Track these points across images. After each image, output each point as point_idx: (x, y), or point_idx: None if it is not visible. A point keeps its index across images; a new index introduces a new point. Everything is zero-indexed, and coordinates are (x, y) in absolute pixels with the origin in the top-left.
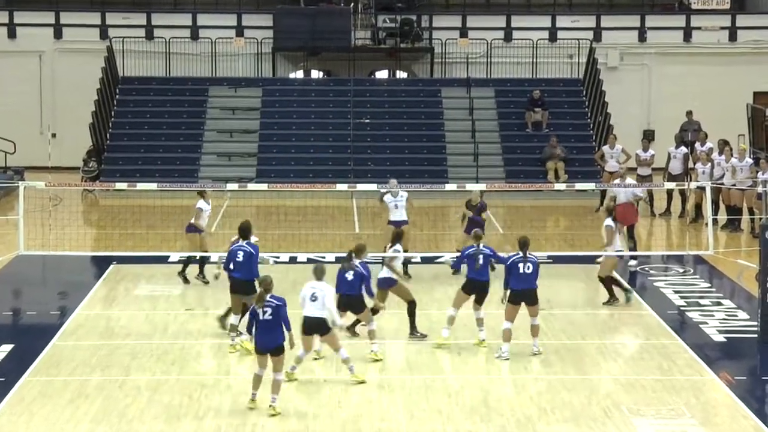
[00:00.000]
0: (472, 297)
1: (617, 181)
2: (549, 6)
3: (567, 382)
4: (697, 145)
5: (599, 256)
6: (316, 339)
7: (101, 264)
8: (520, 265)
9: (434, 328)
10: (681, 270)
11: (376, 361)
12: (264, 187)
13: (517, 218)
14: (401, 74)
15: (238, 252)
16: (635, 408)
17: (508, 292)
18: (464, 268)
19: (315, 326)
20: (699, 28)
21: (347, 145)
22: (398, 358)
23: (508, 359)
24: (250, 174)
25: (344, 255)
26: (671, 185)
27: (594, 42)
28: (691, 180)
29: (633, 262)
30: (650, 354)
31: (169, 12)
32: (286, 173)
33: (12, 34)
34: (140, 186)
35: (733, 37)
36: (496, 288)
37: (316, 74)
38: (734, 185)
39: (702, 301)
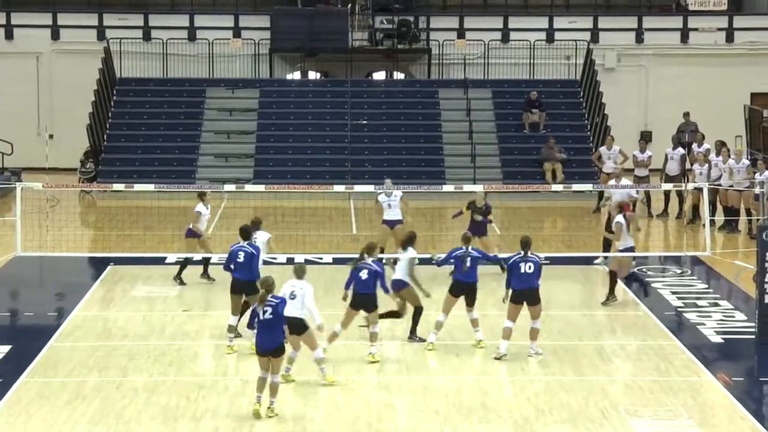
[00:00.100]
0: (462, 300)
1: (612, 182)
2: (546, 7)
3: (564, 383)
4: (695, 146)
5: (597, 257)
6: (322, 340)
7: (99, 265)
8: (522, 264)
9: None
10: (678, 271)
11: (373, 362)
12: (261, 188)
13: (515, 219)
14: (398, 75)
15: (239, 252)
16: (633, 409)
17: (510, 291)
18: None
19: (292, 326)
20: (696, 30)
21: (344, 146)
22: (396, 360)
23: (505, 355)
24: (247, 175)
25: (342, 256)
26: (668, 186)
27: (591, 43)
28: (688, 181)
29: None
30: (648, 355)
31: (166, 13)
32: (283, 174)
33: (9, 35)
34: (137, 187)
35: (730, 39)
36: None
37: (313, 75)
38: (731, 186)
39: (699, 302)
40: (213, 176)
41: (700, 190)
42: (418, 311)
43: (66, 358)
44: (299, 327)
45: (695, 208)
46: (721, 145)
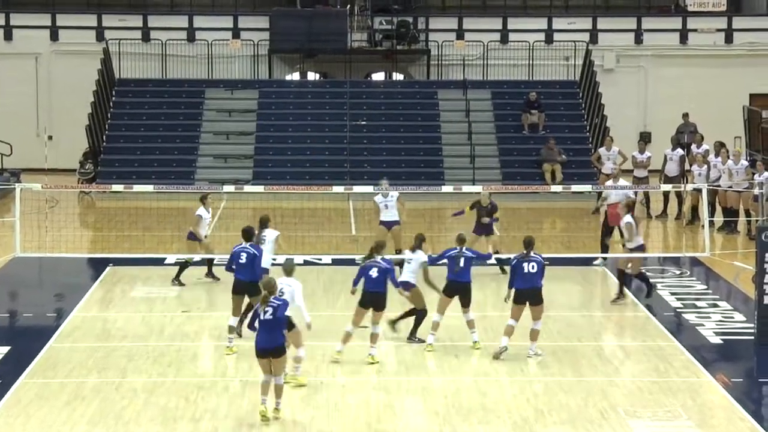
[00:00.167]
0: (458, 301)
1: (610, 182)
2: (545, 8)
3: (564, 384)
4: (694, 147)
5: (596, 258)
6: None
7: (98, 266)
8: (524, 264)
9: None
10: (677, 272)
11: (372, 363)
12: (260, 189)
13: (514, 220)
14: (398, 76)
15: (242, 253)
16: (632, 410)
17: (512, 291)
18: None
19: None
20: (695, 30)
21: (344, 147)
22: (395, 360)
23: (506, 348)
24: (246, 176)
25: (341, 257)
26: (667, 187)
27: (590, 44)
28: (687, 182)
29: (629, 264)
30: (647, 356)
31: (166, 14)
32: (282, 175)
33: (8, 36)
34: (137, 188)
35: (729, 39)
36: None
37: (312, 76)
38: (730, 187)
39: (698, 303)
40: (212, 177)
41: (699, 191)
42: (422, 313)
43: (65, 359)
44: (287, 324)
45: (694, 209)
46: (720, 146)
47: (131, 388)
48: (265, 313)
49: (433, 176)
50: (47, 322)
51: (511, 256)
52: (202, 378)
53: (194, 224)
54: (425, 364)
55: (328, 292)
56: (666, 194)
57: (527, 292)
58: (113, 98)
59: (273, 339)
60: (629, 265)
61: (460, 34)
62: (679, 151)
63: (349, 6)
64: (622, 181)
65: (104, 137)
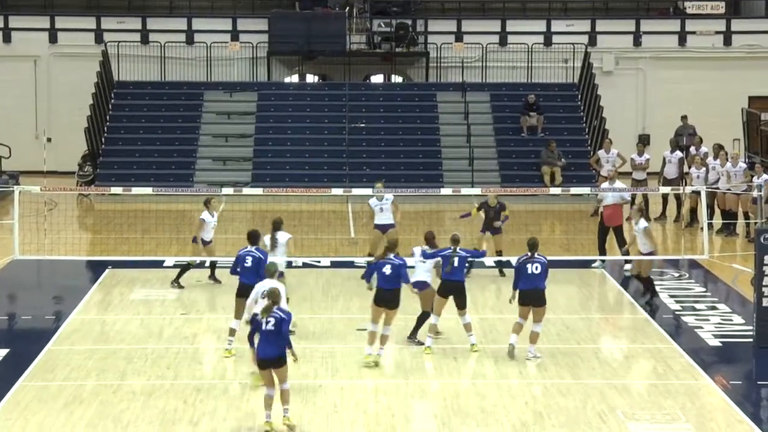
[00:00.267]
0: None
1: (605, 184)
2: (544, 10)
3: (562, 387)
4: (692, 149)
5: (595, 261)
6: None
7: (96, 268)
8: (528, 265)
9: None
10: (676, 274)
11: (374, 364)
12: (259, 191)
13: (513, 223)
14: (396, 78)
15: (247, 257)
16: (630, 412)
17: (517, 292)
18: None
19: None
20: (694, 33)
21: (342, 149)
22: (394, 363)
23: (513, 348)
24: (245, 178)
25: (339, 260)
26: (666, 189)
27: (589, 46)
28: (686, 184)
29: (628, 266)
30: (645, 358)
31: (165, 16)
32: (281, 177)
33: (7, 39)
34: (135, 190)
35: (727, 42)
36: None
37: (311, 78)
38: (729, 189)
39: (697, 306)
40: (211, 179)
41: (698, 193)
42: (425, 315)
43: (64, 362)
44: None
45: (693, 212)
46: (718, 149)
47: (130, 391)
48: (267, 323)
49: (432, 178)
50: (46, 324)
51: (512, 258)
52: (200, 381)
53: (197, 228)
54: (424, 366)
55: (326, 295)
56: (665, 197)
57: (531, 293)
58: (112, 101)
59: (274, 349)
60: (643, 268)
61: (458, 36)
62: (678, 154)
63: (347, 8)
64: (618, 183)
65: (103, 140)
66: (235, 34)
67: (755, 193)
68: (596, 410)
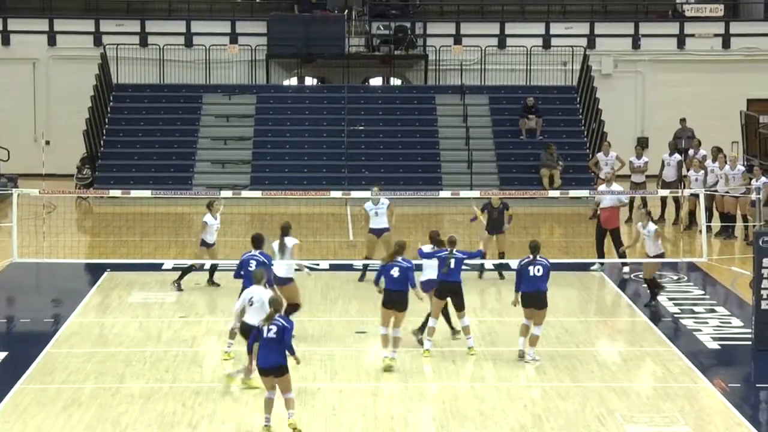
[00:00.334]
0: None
1: (603, 186)
2: (543, 13)
3: (561, 390)
4: (691, 152)
5: (593, 264)
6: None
7: (95, 271)
8: (530, 267)
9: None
10: (675, 277)
11: (388, 369)
12: (258, 194)
13: (512, 225)
14: (395, 81)
15: (251, 261)
16: (629, 415)
17: (519, 295)
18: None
19: (246, 332)
20: (693, 36)
21: (341, 152)
22: (393, 366)
23: (524, 351)
24: (244, 181)
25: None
26: (665, 192)
27: (588, 49)
28: (684, 187)
29: (626, 269)
30: (644, 361)
31: (163, 19)
32: (280, 180)
33: (6, 41)
34: (134, 193)
35: (726, 45)
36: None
37: (310, 81)
38: (728, 192)
39: (696, 309)
40: (210, 182)
41: (696, 196)
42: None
43: (62, 365)
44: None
45: (692, 214)
46: (717, 152)
47: (128, 394)
48: (269, 331)
49: (430, 181)
50: (44, 327)
51: (512, 262)
52: (199, 384)
53: (200, 231)
54: (422, 369)
55: (325, 298)
56: (663, 199)
57: (533, 296)
58: (111, 103)
59: (275, 357)
60: (650, 271)
61: (457, 39)
62: (677, 156)
63: (346, 11)
64: (615, 185)
65: (102, 142)
66: (233, 37)
67: (754, 196)
68: (595, 413)
